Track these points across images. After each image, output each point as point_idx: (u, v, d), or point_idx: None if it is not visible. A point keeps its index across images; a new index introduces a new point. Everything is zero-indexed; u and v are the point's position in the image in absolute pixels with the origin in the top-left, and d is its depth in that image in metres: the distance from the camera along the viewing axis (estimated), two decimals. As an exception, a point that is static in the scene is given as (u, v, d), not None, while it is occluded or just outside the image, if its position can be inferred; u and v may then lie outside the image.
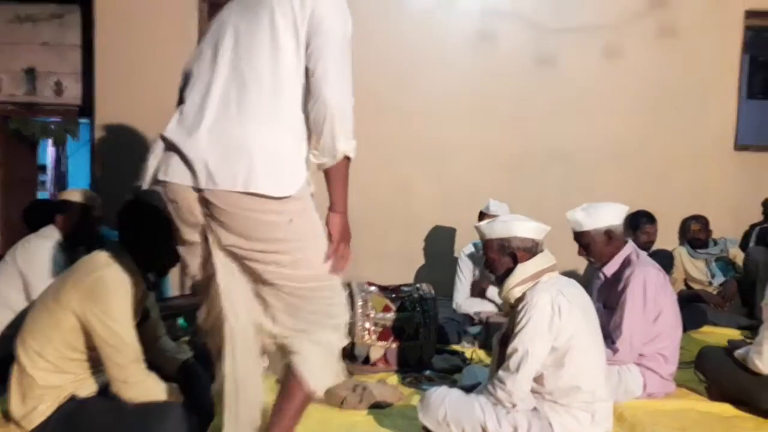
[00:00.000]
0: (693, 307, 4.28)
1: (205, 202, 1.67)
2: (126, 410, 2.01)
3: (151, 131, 4.71)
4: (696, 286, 4.67)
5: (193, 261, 1.80)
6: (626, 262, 2.85)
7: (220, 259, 1.73)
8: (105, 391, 2.09)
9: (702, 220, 4.74)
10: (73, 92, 5.11)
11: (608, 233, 2.83)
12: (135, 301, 2.13)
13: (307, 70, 1.69)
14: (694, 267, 4.70)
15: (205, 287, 1.82)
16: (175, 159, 1.68)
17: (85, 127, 5.38)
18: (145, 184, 1.77)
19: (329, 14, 1.69)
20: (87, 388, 2.12)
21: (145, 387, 2.04)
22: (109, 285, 2.01)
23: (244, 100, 1.66)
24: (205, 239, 1.73)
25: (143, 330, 2.21)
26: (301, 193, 1.69)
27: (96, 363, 2.09)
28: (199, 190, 1.66)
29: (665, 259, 4.39)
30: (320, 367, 1.80)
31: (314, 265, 1.74)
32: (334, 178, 1.76)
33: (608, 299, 2.82)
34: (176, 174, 1.68)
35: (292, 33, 1.68)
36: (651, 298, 2.75)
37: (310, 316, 1.76)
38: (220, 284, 1.74)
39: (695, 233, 4.71)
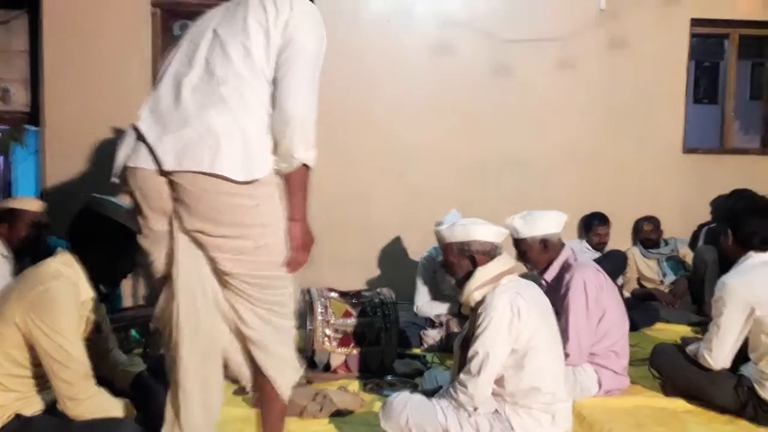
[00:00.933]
0: (646, 305, 4.40)
1: (173, 186, 1.69)
2: (74, 428, 1.93)
3: (102, 138, 4.62)
4: (648, 285, 4.80)
5: (159, 253, 1.78)
6: (565, 267, 2.90)
7: (182, 246, 1.73)
8: (52, 409, 2.00)
9: (654, 221, 4.88)
10: (20, 99, 4.94)
11: (544, 242, 2.89)
12: (84, 314, 2.06)
13: (274, 80, 1.74)
14: (647, 266, 4.82)
15: (165, 281, 1.81)
16: (144, 147, 1.71)
17: (32, 135, 5.21)
18: (115, 173, 1.79)
19: (302, 29, 1.75)
20: (33, 406, 2.02)
21: (95, 403, 1.96)
22: (56, 298, 1.93)
23: (213, 94, 1.71)
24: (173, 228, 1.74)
25: (93, 343, 2.15)
26: (269, 179, 1.72)
27: (42, 380, 2.00)
28: (167, 174, 1.68)
29: (619, 259, 4.50)
30: (283, 366, 1.82)
31: (275, 252, 1.75)
32: (293, 185, 1.77)
33: (552, 304, 2.85)
34: (145, 160, 1.70)
35: (263, 40, 1.74)
36: (593, 298, 2.80)
37: (266, 305, 1.77)
38: (179, 272, 1.73)
39: (647, 233, 4.84)
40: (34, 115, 4.92)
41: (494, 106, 4.95)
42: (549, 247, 2.89)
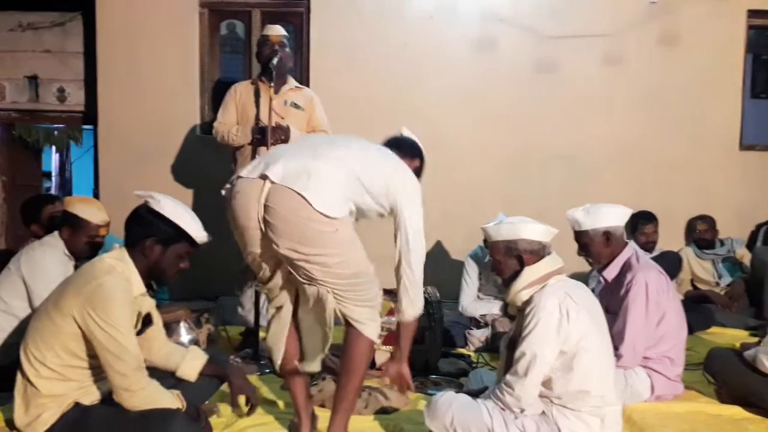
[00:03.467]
0: (700, 308, 4.26)
1: (267, 210, 2.05)
2: (129, 417, 2.00)
3: (151, 135, 4.75)
4: (703, 287, 4.65)
5: (254, 246, 2.14)
6: (626, 266, 2.82)
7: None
8: (108, 398, 2.08)
9: (708, 220, 4.72)
10: (75, 99, 5.12)
11: (607, 234, 2.80)
12: (137, 309, 2.12)
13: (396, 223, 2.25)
14: (701, 268, 4.68)
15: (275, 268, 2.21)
16: (260, 167, 2.13)
17: (88, 134, 5.39)
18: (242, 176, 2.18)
19: (406, 206, 2.24)
20: (90, 395, 2.11)
21: (148, 394, 2.02)
22: (109, 292, 1.99)
23: (331, 158, 2.14)
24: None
25: (146, 336, 2.21)
26: (345, 218, 2.11)
27: (98, 370, 2.07)
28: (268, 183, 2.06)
29: (673, 261, 4.36)
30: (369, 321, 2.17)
31: (354, 264, 2.12)
32: (405, 333, 2.32)
33: (609, 304, 2.77)
34: (256, 173, 2.12)
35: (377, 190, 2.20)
36: (653, 301, 2.72)
37: (357, 303, 2.13)
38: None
39: (702, 233, 4.70)
40: (89, 114, 5.09)
41: (538, 102, 4.88)
42: (612, 240, 2.81)
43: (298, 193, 2.00)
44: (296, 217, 2.01)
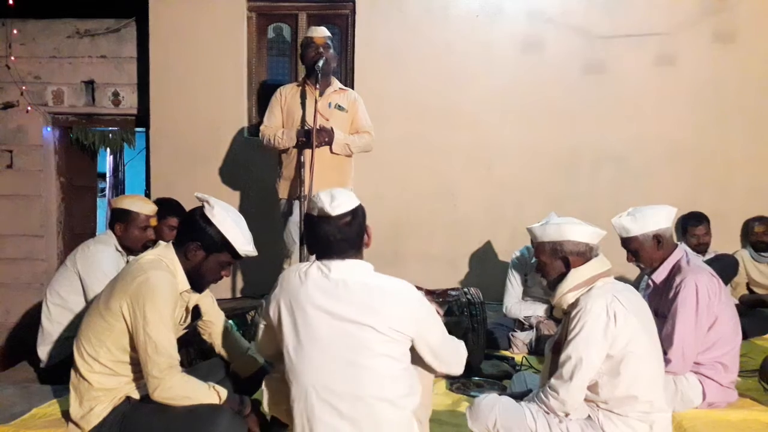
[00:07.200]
0: (756, 312, 4.12)
1: None
2: (177, 413, 2.05)
3: (203, 137, 4.86)
4: (759, 291, 4.48)
5: None
6: (676, 269, 2.73)
7: None
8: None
9: (766, 222, 4.54)
10: (129, 102, 5.29)
11: (657, 237, 2.72)
12: (183, 304, 2.19)
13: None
14: (758, 271, 4.51)
15: None
16: None
17: (140, 136, 5.56)
18: None
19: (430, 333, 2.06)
20: (141, 389, 2.17)
21: (176, 393, 2.05)
22: (155, 286, 2.04)
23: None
24: None
25: (203, 324, 2.32)
26: None
27: (145, 365, 2.14)
28: None
29: (729, 264, 4.20)
30: None
31: None
32: None
33: (658, 307, 2.70)
34: None
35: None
36: (704, 305, 2.62)
37: None
38: None
39: (759, 235, 4.53)
40: (141, 117, 5.25)
41: (587, 102, 4.78)
42: (663, 243, 2.72)
43: None
44: None
